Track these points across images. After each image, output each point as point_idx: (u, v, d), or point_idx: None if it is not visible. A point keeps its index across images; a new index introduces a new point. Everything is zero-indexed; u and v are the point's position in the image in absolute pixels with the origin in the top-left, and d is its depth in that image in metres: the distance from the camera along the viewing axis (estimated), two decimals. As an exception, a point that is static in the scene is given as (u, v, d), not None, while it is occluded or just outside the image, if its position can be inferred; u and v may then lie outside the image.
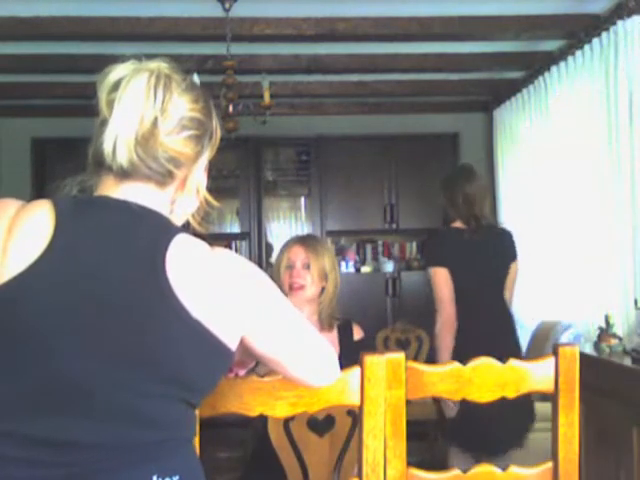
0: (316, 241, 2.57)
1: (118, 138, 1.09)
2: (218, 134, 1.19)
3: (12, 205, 1.10)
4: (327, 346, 1.23)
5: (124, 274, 1.04)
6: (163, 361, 1.04)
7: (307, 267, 2.47)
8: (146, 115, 1.09)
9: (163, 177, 1.11)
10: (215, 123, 1.18)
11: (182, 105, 1.12)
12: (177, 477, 1.05)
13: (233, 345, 1.09)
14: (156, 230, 1.09)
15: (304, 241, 2.54)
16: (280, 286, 2.48)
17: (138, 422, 1.04)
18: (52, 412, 1.02)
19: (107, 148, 1.09)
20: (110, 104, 1.13)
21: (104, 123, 1.13)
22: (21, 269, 1.01)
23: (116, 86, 1.15)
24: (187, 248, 1.09)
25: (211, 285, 1.08)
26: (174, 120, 1.10)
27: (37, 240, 1.03)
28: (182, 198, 1.16)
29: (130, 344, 1.03)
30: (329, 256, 2.53)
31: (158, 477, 1.04)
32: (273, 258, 5.77)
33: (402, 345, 4.28)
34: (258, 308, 1.13)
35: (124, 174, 1.10)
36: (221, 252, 1.14)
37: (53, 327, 1.01)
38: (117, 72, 1.19)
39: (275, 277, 2.52)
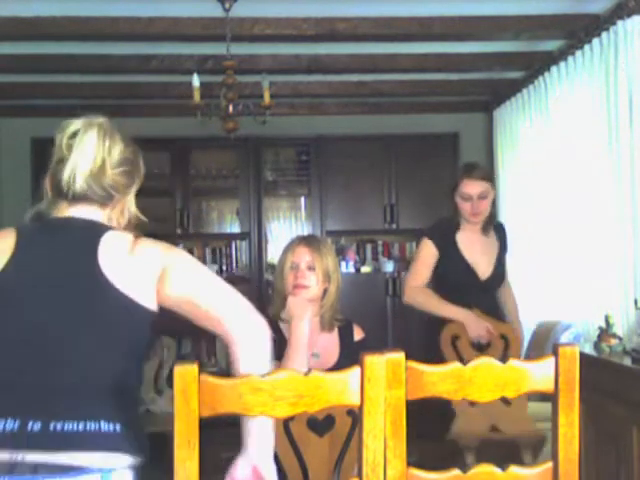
0: (319, 242, 2.56)
1: (77, 171, 1.50)
2: (143, 169, 1.64)
3: None
4: (241, 296, 1.53)
5: (68, 264, 1.49)
6: (97, 320, 1.45)
7: (311, 268, 2.45)
8: (98, 156, 1.51)
9: (105, 200, 1.54)
10: (140, 161, 1.63)
11: (120, 149, 1.55)
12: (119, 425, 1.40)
13: (150, 305, 1.49)
14: (91, 231, 1.52)
15: (308, 242, 2.52)
16: (283, 287, 2.47)
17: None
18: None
19: (65, 178, 1.50)
20: (69, 147, 1.52)
21: (62, 161, 1.52)
22: None
23: (74, 135, 1.53)
24: (113, 240, 1.51)
25: (127, 261, 1.48)
26: (115, 160, 1.53)
27: (1, 254, 1.50)
28: (117, 214, 1.60)
29: (72, 310, 1.45)
30: (332, 257, 2.52)
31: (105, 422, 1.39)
32: (270, 257, 5.77)
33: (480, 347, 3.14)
34: (168, 262, 1.50)
35: (74, 199, 1.52)
36: (141, 239, 1.54)
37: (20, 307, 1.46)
38: (75, 125, 1.56)
39: (278, 278, 2.51)
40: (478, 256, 3.24)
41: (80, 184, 1.50)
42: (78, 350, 1.43)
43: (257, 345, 1.48)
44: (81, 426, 1.37)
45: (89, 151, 1.51)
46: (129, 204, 1.61)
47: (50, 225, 1.57)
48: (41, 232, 1.57)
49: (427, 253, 3.22)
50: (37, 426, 1.35)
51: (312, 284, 2.45)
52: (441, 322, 3.08)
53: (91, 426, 1.38)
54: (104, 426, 1.39)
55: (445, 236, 3.26)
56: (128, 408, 1.45)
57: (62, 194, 1.52)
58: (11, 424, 1.35)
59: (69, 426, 1.36)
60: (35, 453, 1.33)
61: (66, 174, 1.50)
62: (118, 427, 1.40)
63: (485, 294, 3.27)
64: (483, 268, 3.25)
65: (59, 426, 1.36)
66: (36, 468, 1.33)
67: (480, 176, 3.21)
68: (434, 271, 3.24)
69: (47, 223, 1.57)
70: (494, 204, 3.34)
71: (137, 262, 1.49)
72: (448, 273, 3.22)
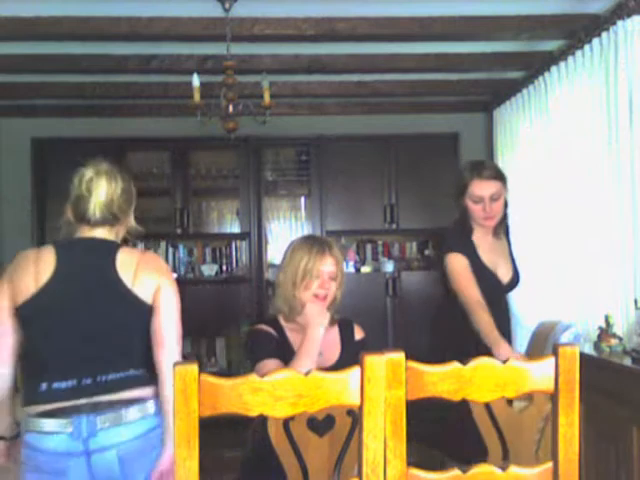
0: (339, 251, 2.58)
1: (96, 205, 2.13)
2: (134, 191, 2.26)
3: (30, 253, 2.14)
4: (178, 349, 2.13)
5: (96, 273, 2.13)
6: (119, 311, 2.12)
7: (333, 279, 2.48)
8: (108, 194, 2.15)
9: (114, 222, 2.19)
10: (132, 187, 2.25)
11: (121, 185, 2.19)
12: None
13: (149, 302, 2.11)
14: (110, 248, 2.16)
15: (332, 252, 2.49)
16: (298, 290, 2.44)
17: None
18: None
19: (90, 210, 2.13)
20: (88, 189, 2.14)
21: (83, 198, 2.14)
22: (45, 282, 2.07)
23: (90, 180, 2.16)
24: (126, 253, 2.15)
25: (136, 270, 2.12)
26: (119, 193, 2.17)
27: (49, 267, 2.08)
28: (122, 229, 2.24)
29: (102, 306, 2.11)
30: (343, 261, 2.61)
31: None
32: (270, 257, 5.77)
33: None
34: (161, 280, 2.14)
35: (94, 224, 2.16)
36: (147, 253, 2.29)
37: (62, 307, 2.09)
38: (89, 173, 2.17)
39: (290, 279, 2.47)
40: (496, 259, 3.06)
41: (99, 214, 2.15)
42: (109, 332, 2.12)
43: (167, 382, 2.06)
44: (118, 375, 2.09)
45: (102, 192, 2.15)
46: (129, 220, 2.26)
47: (80, 243, 2.20)
48: (73, 249, 2.19)
49: (462, 267, 2.91)
50: (88, 380, 2.06)
51: (331, 292, 2.47)
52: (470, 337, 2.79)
53: (125, 374, 2.10)
54: (132, 372, 2.11)
55: (465, 245, 3.00)
56: (145, 362, 2.12)
57: (84, 220, 2.16)
58: (71, 382, 2.06)
59: (110, 377, 2.08)
60: (90, 398, 2.05)
61: (90, 208, 2.14)
62: (141, 372, 2.12)
63: (504, 299, 3.16)
64: (503, 271, 3.08)
65: (103, 378, 2.07)
66: (95, 406, 2.05)
67: (491, 175, 2.97)
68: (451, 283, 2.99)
69: (77, 242, 2.19)
70: (506, 204, 3.10)
71: (143, 272, 2.13)
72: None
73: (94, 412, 2.04)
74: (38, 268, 2.08)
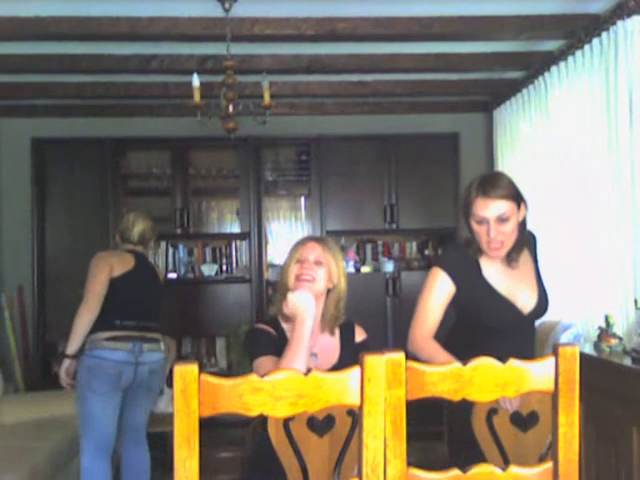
0: (332, 243, 2.55)
1: (137, 233, 3.77)
2: (155, 228, 3.97)
3: (115, 252, 3.83)
4: None
5: (148, 270, 3.81)
6: (158, 294, 3.84)
7: (319, 263, 2.44)
8: (144, 227, 3.80)
9: (146, 242, 3.83)
10: (152, 222, 3.90)
11: (149, 222, 3.84)
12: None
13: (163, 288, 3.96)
14: (147, 258, 3.89)
15: (320, 239, 2.53)
16: (285, 279, 2.45)
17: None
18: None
19: (134, 236, 3.77)
20: (133, 224, 3.78)
21: (129, 229, 3.78)
22: (130, 269, 3.66)
23: (134, 219, 3.80)
24: (152, 263, 4.04)
25: (157, 270, 3.93)
26: (149, 226, 3.83)
27: (131, 262, 3.68)
28: (149, 247, 3.90)
29: (151, 289, 3.79)
30: (341, 259, 2.52)
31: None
32: (270, 257, 5.77)
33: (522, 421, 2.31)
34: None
35: (136, 243, 3.78)
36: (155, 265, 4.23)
37: (137, 290, 3.68)
38: (132, 216, 3.84)
39: (283, 273, 2.48)
40: (515, 286, 2.54)
41: (139, 237, 3.77)
42: (152, 300, 3.72)
43: None
44: (153, 323, 3.65)
45: (141, 227, 3.77)
46: (151, 242, 3.88)
47: (137, 254, 3.73)
48: (137, 255, 3.74)
49: (439, 288, 2.48)
50: (141, 323, 3.57)
51: (318, 278, 2.42)
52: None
53: (155, 323, 3.67)
54: (156, 323, 3.68)
55: (465, 265, 2.52)
56: (160, 319, 3.74)
57: (129, 241, 3.76)
58: (134, 322, 3.54)
59: (150, 323, 3.62)
60: (141, 333, 3.55)
61: (135, 235, 3.76)
62: (159, 324, 3.70)
63: (529, 329, 2.63)
64: (524, 299, 2.54)
65: (148, 324, 3.60)
66: (143, 338, 3.54)
67: (499, 195, 2.41)
68: (458, 313, 2.59)
69: (135, 253, 3.75)
70: (524, 225, 2.54)
71: (157, 269, 3.94)
72: (479, 314, 2.51)
73: (143, 341, 3.52)
74: (124, 261, 3.62)
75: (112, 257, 3.65)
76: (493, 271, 2.53)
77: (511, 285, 2.53)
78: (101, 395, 3.42)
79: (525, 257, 2.60)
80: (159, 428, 4.26)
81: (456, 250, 2.68)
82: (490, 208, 2.41)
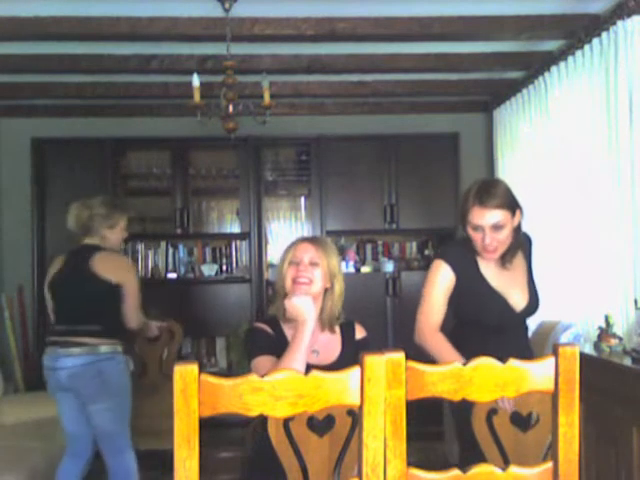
0: (325, 242, 2.55)
1: (72, 223, 3.57)
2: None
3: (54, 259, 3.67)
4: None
5: (83, 274, 3.43)
6: (93, 294, 3.42)
7: (315, 264, 2.44)
8: (77, 212, 3.55)
9: (94, 230, 3.53)
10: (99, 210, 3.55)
11: (87, 208, 3.56)
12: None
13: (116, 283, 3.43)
14: (92, 250, 3.48)
15: (313, 240, 2.53)
16: (282, 281, 2.46)
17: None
18: None
19: (71, 227, 3.57)
20: (67, 217, 3.58)
21: (67, 220, 3.57)
22: (54, 274, 3.55)
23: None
24: (101, 255, 3.46)
25: (105, 265, 3.43)
26: (83, 211, 3.57)
27: (57, 265, 3.57)
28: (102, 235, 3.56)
29: (78, 294, 3.44)
30: (336, 258, 2.52)
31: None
32: (270, 257, 5.77)
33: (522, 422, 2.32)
34: (123, 273, 3.47)
35: (81, 235, 3.55)
36: (115, 254, 3.62)
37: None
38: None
39: (278, 276, 2.49)
40: (508, 285, 2.66)
41: (76, 226, 3.56)
42: (84, 306, 3.43)
43: None
44: (84, 328, 3.39)
45: (72, 214, 3.57)
46: (105, 229, 3.56)
47: (71, 253, 3.58)
48: (66, 257, 3.57)
49: (441, 278, 2.60)
50: (72, 328, 3.40)
51: (315, 280, 2.43)
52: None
53: (87, 328, 3.39)
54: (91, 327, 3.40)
55: (464, 259, 2.65)
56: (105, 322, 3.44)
57: (75, 235, 3.55)
58: (62, 328, 3.43)
59: (80, 328, 3.38)
60: (65, 337, 3.39)
61: (71, 225, 3.55)
62: (98, 327, 3.40)
63: (521, 326, 2.76)
64: (516, 298, 2.66)
65: (77, 328, 3.39)
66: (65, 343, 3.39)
67: (495, 204, 2.52)
68: (455, 307, 2.67)
69: (69, 252, 3.58)
70: (519, 228, 2.65)
71: (109, 265, 3.51)
72: (476, 309, 2.64)
73: (62, 346, 3.38)
74: (54, 263, 3.63)
75: (52, 262, 3.66)
76: (489, 269, 2.66)
77: (504, 284, 2.65)
78: (52, 396, 3.51)
79: (519, 260, 2.71)
80: (156, 445, 4.02)
81: (456, 245, 2.82)
82: (486, 217, 2.53)
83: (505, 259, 2.64)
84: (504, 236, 2.56)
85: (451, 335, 2.64)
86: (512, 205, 2.58)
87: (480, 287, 2.63)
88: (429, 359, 2.43)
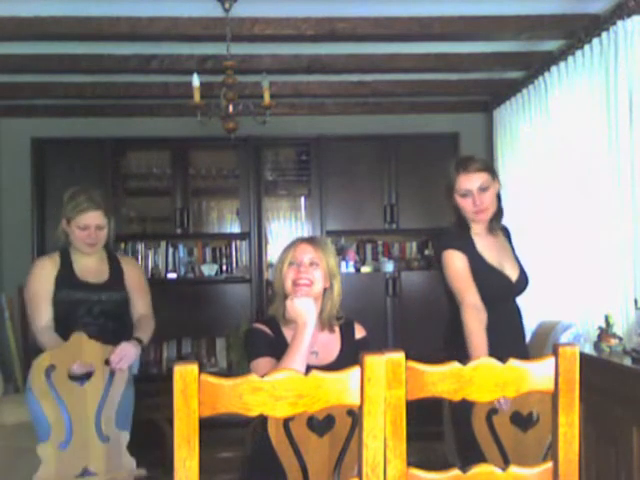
0: (323, 242, 2.55)
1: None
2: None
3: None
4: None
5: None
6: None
7: (315, 264, 2.44)
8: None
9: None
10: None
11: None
12: None
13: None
14: None
15: (311, 240, 2.53)
16: (281, 283, 2.46)
17: None
18: None
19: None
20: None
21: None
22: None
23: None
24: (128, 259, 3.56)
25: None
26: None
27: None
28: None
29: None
30: (334, 258, 2.52)
31: None
32: (270, 257, 5.77)
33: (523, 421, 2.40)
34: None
35: None
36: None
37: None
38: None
39: (277, 277, 2.49)
40: (500, 257, 2.88)
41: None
42: None
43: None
44: None
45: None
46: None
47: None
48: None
49: (460, 265, 2.77)
50: None
51: (315, 280, 2.43)
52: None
53: None
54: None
55: (464, 242, 2.84)
56: None
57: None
58: None
59: None
60: None
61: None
62: None
63: (515, 304, 2.94)
64: (510, 270, 2.88)
65: None
66: None
67: (477, 168, 2.82)
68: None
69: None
70: (499, 198, 2.93)
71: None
72: (481, 285, 2.75)
73: None
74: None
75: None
76: (483, 244, 2.86)
77: (497, 256, 2.87)
78: None
79: (503, 238, 2.98)
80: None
81: (452, 232, 2.96)
82: (473, 180, 2.81)
83: (492, 226, 2.90)
84: (490, 199, 2.83)
85: (453, 322, 2.79)
86: (492, 170, 2.89)
87: (480, 265, 2.80)
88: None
